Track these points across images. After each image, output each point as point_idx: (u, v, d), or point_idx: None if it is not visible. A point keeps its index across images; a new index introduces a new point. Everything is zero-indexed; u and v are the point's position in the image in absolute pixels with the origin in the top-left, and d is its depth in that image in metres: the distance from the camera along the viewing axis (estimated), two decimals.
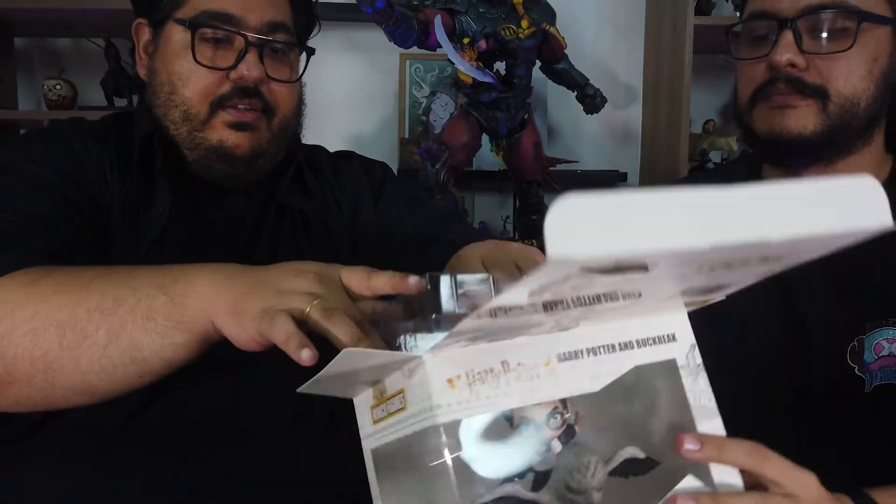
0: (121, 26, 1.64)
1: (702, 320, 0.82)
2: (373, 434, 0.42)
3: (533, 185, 1.63)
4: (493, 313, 0.32)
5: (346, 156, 0.93)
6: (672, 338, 0.42)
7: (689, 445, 0.41)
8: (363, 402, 0.43)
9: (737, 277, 0.38)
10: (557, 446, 0.38)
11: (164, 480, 0.67)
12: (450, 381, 0.36)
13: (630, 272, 0.29)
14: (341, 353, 0.38)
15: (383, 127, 1.99)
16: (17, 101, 1.88)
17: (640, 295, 0.36)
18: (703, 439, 0.41)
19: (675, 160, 1.72)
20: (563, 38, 1.53)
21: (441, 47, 1.42)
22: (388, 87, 1.96)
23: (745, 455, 0.43)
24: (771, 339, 0.79)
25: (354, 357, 0.38)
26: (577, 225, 0.25)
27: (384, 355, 0.38)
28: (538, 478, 0.38)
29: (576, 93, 1.64)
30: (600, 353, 0.39)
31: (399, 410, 0.39)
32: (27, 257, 0.60)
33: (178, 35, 0.75)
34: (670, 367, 0.41)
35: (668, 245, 0.26)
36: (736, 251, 0.29)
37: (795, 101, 0.73)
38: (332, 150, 0.94)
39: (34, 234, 0.65)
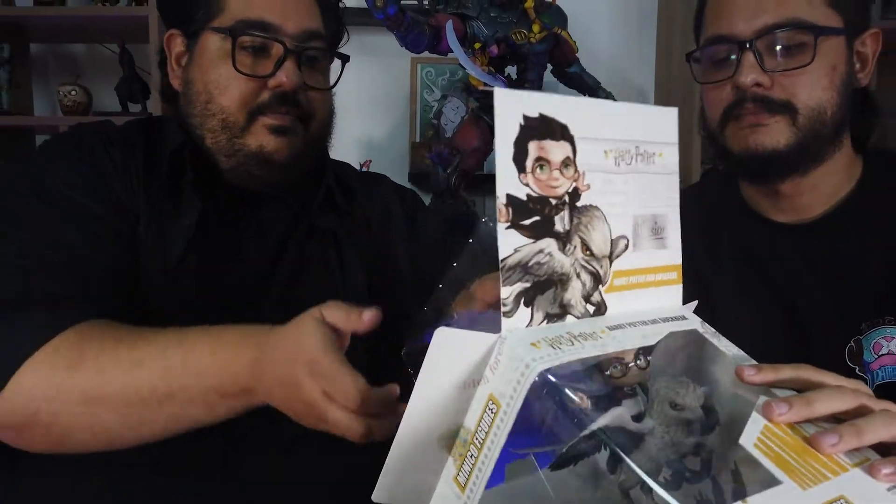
0: (135, 32, 1.66)
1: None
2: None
3: None
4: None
5: (377, 178, 0.95)
6: (683, 318, 0.48)
7: (749, 371, 0.45)
8: (444, 496, 0.43)
9: None
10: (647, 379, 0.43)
11: (182, 494, 0.68)
12: (533, 344, 0.39)
13: None
14: (436, 332, 0.40)
15: (395, 130, 2.00)
16: (33, 106, 1.91)
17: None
18: (758, 366, 0.45)
19: (687, 163, 1.71)
20: (574, 42, 1.53)
21: (452, 52, 1.42)
22: (399, 90, 1.96)
23: (796, 371, 0.47)
24: (771, 343, 0.80)
25: (449, 337, 0.40)
26: None
27: (475, 335, 0.40)
28: (638, 415, 0.41)
29: (587, 96, 1.64)
30: (637, 325, 0.44)
31: (494, 415, 0.40)
32: (72, 314, 0.61)
33: (215, 44, 0.75)
34: (696, 332, 0.47)
35: None
36: None
37: (765, 118, 0.75)
38: (344, 153, 0.94)
39: (73, 272, 0.65)
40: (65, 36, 1.91)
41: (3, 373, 0.58)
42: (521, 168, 0.40)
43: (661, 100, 1.94)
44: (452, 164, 1.53)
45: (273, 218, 0.81)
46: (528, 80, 1.50)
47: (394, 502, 0.45)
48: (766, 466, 0.39)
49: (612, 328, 0.43)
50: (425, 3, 1.81)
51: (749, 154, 0.77)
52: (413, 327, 0.48)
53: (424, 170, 1.83)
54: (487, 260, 0.43)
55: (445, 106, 1.79)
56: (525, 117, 0.40)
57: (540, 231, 0.41)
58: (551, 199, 0.41)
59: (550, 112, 0.42)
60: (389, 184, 0.94)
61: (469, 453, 0.41)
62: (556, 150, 0.42)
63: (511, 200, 0.40)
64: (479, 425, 0.40)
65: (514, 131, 0.40)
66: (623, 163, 0.46)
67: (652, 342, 0.43)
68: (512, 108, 0.40)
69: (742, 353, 0.47)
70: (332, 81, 0.82)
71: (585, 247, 0.43)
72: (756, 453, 0.39)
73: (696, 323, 0.47)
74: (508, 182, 0.40)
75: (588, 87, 1.61)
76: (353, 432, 0.49)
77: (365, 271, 0.83)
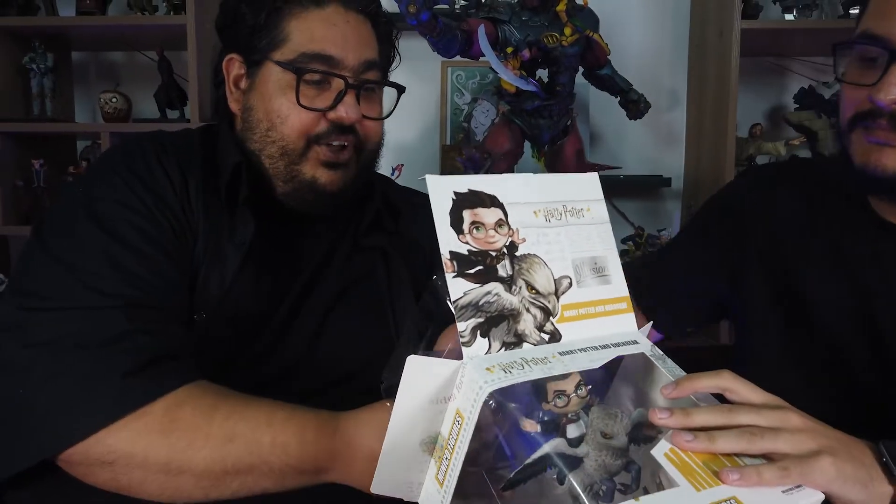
0: (173, 40, 1.70)
1: (780, 319, 0.83)
2: (443, 501, 0.49)
3: None
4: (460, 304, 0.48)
5: (422, 197, 0.97)
6: (635, 342, 0.54)
7: (667, 389, 0.52)
8: (431, 495, 0.51)
9: None
10: (585, 414, 0.50)
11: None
12: (488, 369, 0.46)
13: None
14: (408, 360, 0.48)
15: (425, 134, 2.01)
16: (75, 112, 1.97)
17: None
18: (676, 382, 0.52)
19: (720, 165, 1.69)
20: (606, 44, 1.52)
21: (483, 57, 1.42)
22: (430, 94, 1.98)
23: (714, 381, 0.53)
24: (842, 337, 0.80)
25: (421, 365, 0.48)
26: None
27: (446, 363, 0.48)
28: (575, 441, 0.49)
29: (619, 98, 1.63)
30: (588, 350, 0.51)
31: (460, 426, 0.47)
32: (170, 379, 0.64)
33: (276, 76, 0.77)
34: (644, 356, 0.54)
35: None
36: None
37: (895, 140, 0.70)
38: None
39: (159, 309, 0.68)
40: (105, 44, 1.96)
41: (94, 424, 0.60)
42: (458, 231, 0.50)
43: (694, 101, 1.92)
44: (484, 168, 1.53)
45: (322, 235, 0.84)
46: (559, 84, 1.50)
47: (388, 493, 0.53)
48: (669, 472, 0.46)
49: (563, 353, 0.50)
50: (457, 8, 1.82)
51: (868, 171, 0.73)
52: (388, 367, 0.56)
53: (455, 173, 1.84)
54: (440, 311, 0.51)
55: (476, 109, 1.81)
56: (456, 193, 0.51)
57: (484, 277, 0.49)
58: (491, 252, 0.50)
59: (478, 187, 0.52)
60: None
61: (444, 456, 0.49)
62: (488, 215, 0.51)
63: (454, 255, 0.49)
64: (450, 433, 0.48)
65: (448, 204, 0.50)
66: (553, 219, 0.55)
67: (598, 365, 0.49)
68: (444, 187, 0.50)
69: (682, 373, 0.54)
70: (386, 106, 0.84)
71: (530, 286, 0.51)
72: (663, 461, 0.47)
73: (645, 347, 0.54)
74: (449, 242, 0.49)
75: (620, 88, 1.61)
76: None
77: (413, 285, 0.85)
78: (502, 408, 0.48)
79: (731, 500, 0.44)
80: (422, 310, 0.55)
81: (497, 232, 0.51)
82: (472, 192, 0.51)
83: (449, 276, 0.49)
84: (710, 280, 0.93)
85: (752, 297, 0.88)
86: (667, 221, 1.95)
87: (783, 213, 0.87)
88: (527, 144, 1.60)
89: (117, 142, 1.70)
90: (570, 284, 0.53)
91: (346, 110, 0.76)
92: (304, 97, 0.76)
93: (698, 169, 1.88)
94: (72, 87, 1.95)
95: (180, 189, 0.75)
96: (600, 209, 0.58)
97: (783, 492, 0.47)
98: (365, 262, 0.86)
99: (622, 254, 1.82)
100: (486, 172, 1.53)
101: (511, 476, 0.48)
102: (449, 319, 0.51)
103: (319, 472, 0.63)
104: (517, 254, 0.52)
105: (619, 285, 0.56)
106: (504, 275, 0.51)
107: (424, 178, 0.51)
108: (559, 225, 0.55)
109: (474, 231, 0.50)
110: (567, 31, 1.46)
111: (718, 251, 0.92)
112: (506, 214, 0.52)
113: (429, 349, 0.54)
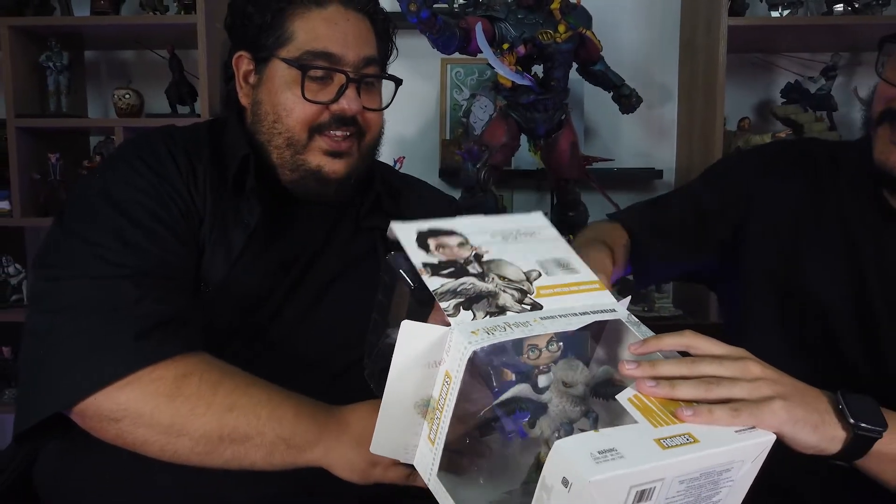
0: (184, 39, 1.77)
1: (775, 301, 0.86)
2: (434, 458, 0.53)
3: (570, 183, 1.69)
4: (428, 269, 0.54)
5: (419, 182, 1.06)
6: (613, 310, 0.57)
7: (634, 346, 0.55)
8: (424, 455, 0.54)
9: None
10: (553, 369, 0.54)
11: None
12: (473, 332, 0.50)
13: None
14: (402, 324, 0.51)
15: (425, 129, 2.08)
16: (87, 109, 2.04)
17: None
18: (642, 341, 0.55)
19: (710, 157, 1.76)
20: (598, 40, 1.59)
21: (481, 53, 1.49)
22: (429, 90, 2.05)
23: (678, 339, 0.56)
24: (837, 314, 0.84)
25: (414, 330, 0.52)
26: None
27: (436, 328, 0.52)
28: (541, 389, 0.53)
29: (612, 93, 1.69)
30: (568, 316, 0.55)
31: (448, 386, 0.51)
32: (179, 343, 0.70)
33: (282, 71, 0.83)
34: (620, 322, 0.57)
35: None
36: None
37: None
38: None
39: (167, 283, 0.74)
40: (118, 43, 2.03)
41: (106, 377, 0.67)
42: (426, 251, 0.56)
43: (684, 96, 1.99)
44: (482, 160, 1.60)
45: (323, 218, 0.90)
46: (554, 79, 1.56)
47: (385, 454, 0.57)
48: (631, 413, 0.49)
49: (544, 318, 0.53)
50: (455, 6, 1.88)
51: (885, 167, 0.78)
52: (366, 354, 0.62)
53: (454, 166, 1.91)
54: (396, 287, 0.58)
55: (474, 105, 1.86)
56: (418, 231, 0.58)
57: (457, 275, 0.55)
58: (458, 260, 0.56)
59: (437, 226, 0.59)
60: (430, 187, 1.05)
61: (435, 416, 0.52)
62: (450, 240, 0.58)
63: (426, 265, 0.55)
64: (440, 394, 0.52)
65: (413, 238, 0.57)
66: (511, 238, 0.61)
67: (575, 328, 0.53)
68: (408, 229, 0.58)
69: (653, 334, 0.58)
70: (385, 98, 0.90)
71: (502, 277, 0.56)
72: (627, 405, 0.50)
73: (622, 315, 0.57)
74: (419, 257, 0.56)
75: (612, 84, 1.67)
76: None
77: None
78: (487, 368, 0.51)
79: (686, 435, 0.47)
80: (382, 290, 0.60)
81: (461, 249, 0.58)
82: (431, 230, 0.59)
83: (425, 277, 0.54)
84: (707, 241, 0.95)
85: (747, 275, 0.92)
86: None
87: (788, 196, 0.90)
88: (523, 138, 1.66)
89: (131, 135, 1.77)
90: (540, 274, 0.58)
91: (348, 102, 0.82)
92: (308, 91, 0.81)
93: (689, 161, 1.94)
94: (84, 85, 2.02)
95: (187, 174, 0.81)
96: (551, 232, 0.64)
97: (736, 431, 0.49)
98: (365, 243, 0.91)
99: None
100: (484, 164, 1.60)
101: (483, 416, 0.52)
102: (403, 292, 0.56)
103: (307, 447, 0.68)
104: (484, 260, 0.57)
105: (587, 274, 0.60)
106: (475, 272, 0.56)
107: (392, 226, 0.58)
108: (516, 242, 0.61)
109: (440, 249, 0.57)
110: (561, 28, 1.53)
111: (719, 221, 0.94)
112: (466, 239, 0.59)
113: (396, 324, 0.58)
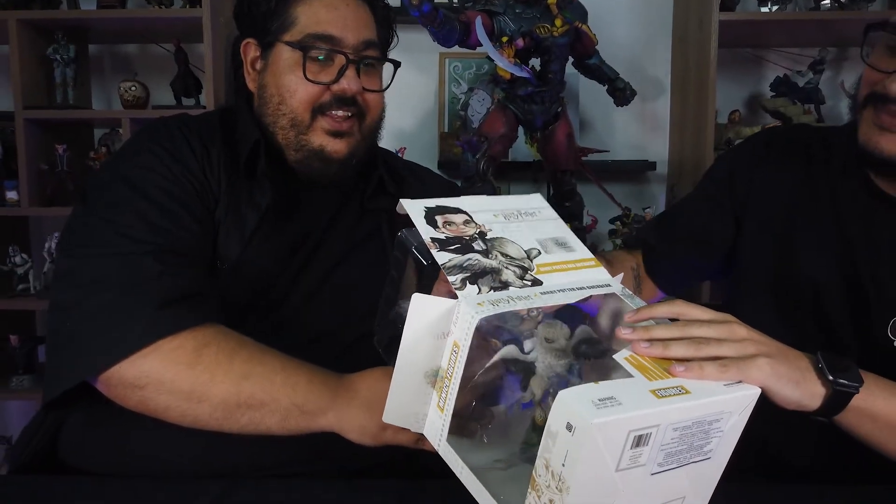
0: (189, 32, 1.80)
1: (772, 286, 0.90)
2: (444, 425, 0.56)
3: (566, 174, 1.73)
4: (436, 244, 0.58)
5: (422, 167, 1.10)
6: (608, 286, 0.61)
7: (629, 315, 0.58)
8: (434, 422, 0.57)
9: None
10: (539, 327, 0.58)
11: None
12: (479, 304, 0.54)
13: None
14: (413, 296, 0.55)
15: (424, 122, 2.12)
16: (91, 101, 2.07)
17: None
18: (636, 310, 0.58)
19: (701, 149, 1.81)
20: (594, 34, 1.63)
21: (480, 46, 1.53)
22: (428, 84, 2.09)
23: (670, 308, 0.60)
24: (826, 292, 0.88)
25: (425, 302, 0.55)
26: None
27: (445, 301, 0.55)
28: (527, 353, 0.57)
29: (607, 86, 1.74)
30: (566, 291, 0.58)
31: (456, 356, 0.54)
32: (198, 313, 0.74)
33: (286, 54, 0.87)
34: (615, 295, 0.61)
35: None
36: None
37: None
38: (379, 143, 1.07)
39: (186, 258, 0.78)
40: (123, 37, 2.06)
41: (130, 345, 0.70)
42: (434, 227, 0.61)
43: (677, 89, 2.04)
44: (481, 151, 1.64)
45: (330, 200, 0.94)
46: (551, 71, 1.60)
47: (397, 423, 0.60)
48: (627, 369, 0.52)
49: (544, 293, 0.57)
50: (455, 0, 1.93)
51: (868, 149, 0.82)
52: (376, 323, 0.65)
53: (452, 158, 1.95)
54: (407, 262, 0.61)
55: (472, 98, 1.91)
56: (426, 207, 0.62)
57: (463, 251, 0.59)
58: (464, 237, 0.61)
59: (444, 203, 0.64)
60: (431, 172, 1.09)
61: (444, 385, 0.55)
62: (456, 217, 0.63)
63: (435, 240, 0.59)
64: (448, 363, 0.55)
65: (422, 213, 0.62)
66: (512, 218, 0.65)
67: (573, 300, 0.57)
68: (417, 205, 0.63)
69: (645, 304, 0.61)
70: (384, 82, 0.94)
71: (504, 254, 0.60)
72: (623, 363, 0.53)
73: (617, 289, 0.61)
74: (428, 233, 0.60)
75: (607, 77, 1.71)
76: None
77: None
78: (491, 338, 0.54)
79: (678, 387, 0.50)
80: (393, 265, 0.64)
81: (466, 226, 0.62)
82: (439, 206, 0.63)
83: (433, 251, 0.58)
84: (715, 235, 0.99)
85: (744, 261, 0.96)
86: (652, 202, 2.07)
87: (782, 182, 0.94)
88: (520, 130, 1.71)
89: (137, 127, 1.80)
90: (539, 253, 0.62)
91: (348, 83, 0.86)
92: (309, 72, 0.86)
93: (681, 153, 1.99)
94: (89, 77, 2.05)
95: (202, 157, 0.85)
96: (550, 213, 0.68)
97: (725, 385, 0.53)
98: (370, 224, 0.96)
99: (610, 233, 1.94)
100: (483, 155, 1.64)
101: (475, 378, 0.55)
102: (415, 269, 0.60)
103: (319, 413, 0.71)
104: (487, 237, 0.61)
105: (583, 252, 0.64)
106: (479, 249, 0.60)
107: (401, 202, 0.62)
108: (517, 221, 0.65)
109: (447, 226, 0.61)
110: (557, 22, 1.57)
111: (722, 214, 0.98)
112: (470, 217, 0.63)
113: (406, 298, 0.62)
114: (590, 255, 0.64)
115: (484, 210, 0.64)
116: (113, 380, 0.71)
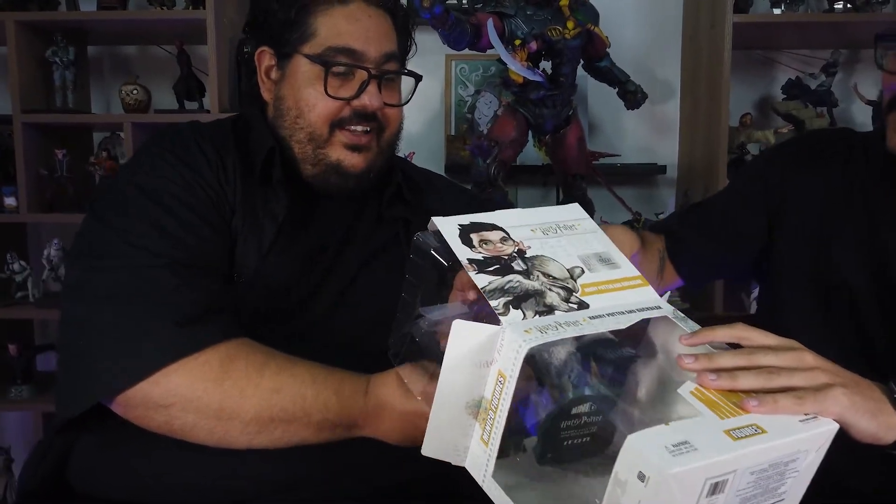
0: (192, 34, 1.77)
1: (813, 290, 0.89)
2: (489, 459, 0.53)
3: (577, 178, 1.71)
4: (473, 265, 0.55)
5: (435, 174, 1.08)
6: (658, 307, 0.57)
7: (686, 338, 0.55)
8: (477, 456, 0.54)
9: None
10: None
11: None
12: (526, 331, 0.50)
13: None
14: (454, 323, 0.52)
15: (430, 125, 2.09)
16: (90, 104, 2.02)
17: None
18: (693, 333, 0.55)
19: (713, 153, 1.78)
20: (606, 37, 1.61)
21: (491, 49, 1.51)
22: (434, 86, 2.06)
23: (730, 331, 0.57)
24: (863, 295, 0.87)
25: (465, 329, 0.52)
26: None
27: (487, 327, 0.52)
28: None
29: (617, 89, 1.71)
30: (615, 315, 0.55)
31: (502, 386, 0.51)
32: (222, 328, 0.71)
33: (305, 67, 0.84)
34: (667, 318, 0.58)
35: None
36: None
37: None
38: None
39: (206, 272, 0.76)
40: (122, 38, 2.02)
41: (153, 364, 0.67)
42: (470, 246, 0.58)
43: (687, 92, 2.01)
44: (491, 155, 1.61)
45: (347, 209, 0.91)
46: (562, 75, 1.58)
47: (437, 456, 0.57)
48: (695, 406, 0.49)
49: (592, 318, 0.54)
50: (464, 2, 1.90)
51: (889, 150, 0.82)
52: (392, 334, 0.62)
53: (459, 161, 1.92)
54: (428, 266, 0.59)
55: (479, 101, 1.88)
56: (460, 225, 0.59)
57: (503, 272, 0.56)
58: (503, 257, 0.57)
59: (478, 220, 0.60)
60: (446, 179, 1.07)
61: (488, 417, 0.52)
62: (492, 234, 0.60)
63: (472, 261, 0.56)
64: (493, 394, 0.52)
65: (456, 232, 0.59)
66: (550, 233, 0.62)
67: (624, 326, 0.54)
68: (450, 223, 0.60)
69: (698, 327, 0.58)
70: (403, 94, 0.92)
71: (546, 275, 0.57)
72: (690, 399, 0.50)
73: (668, 311, 0.58)
74: (465, 253, 0.57)
75: (618, 80, 1.69)
76: None
77: None
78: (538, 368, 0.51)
79: (753, 426, 0.47)
80: (411, 270, 0.61)
81: (503, 244, 0.59)
82: (473, 223, 0.60)
83: (472, 274, 0.55)
84: (744, 232, 0.98)
85: (781, 264, 0.94)
86: (662, 207, 2.04)
87: (820, 186, 0.93)
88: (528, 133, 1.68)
89: (139, 131, 1.77)
90: (583, 271, 0.59)
91: (370, 99, 0.83)
92: (330, 87, 0.83)
93: (692, 157, 1.97)
94: (88, 80, 2.01)
95: (217, 167, 0.82)
96: (590, 224, 0.64)
97: (800, 420, 0.50)
98: (388, 232, 0.93)
99: None
100: (494, 160, 1.61)
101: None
102: (435, 273, 0.57)
103: (352, 427, 0.71)
104: (527, 256, 0.58)
105: (629, 269, 0.60)
106: (519, 269, 0.57)
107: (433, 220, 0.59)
108: (556, 236, 0.61)
109: (483, 245, 0.58)
110: (569, 24, 1.54)
111: (754, 214, 0.97)
112: (507, 233, 0.60)
113: (424, 304, 0.59)
114: (636, 271, 0.61)
115: (520, 225, 0.61)
116: (136, 399, 0.68)
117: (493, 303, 0.53)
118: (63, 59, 1.80)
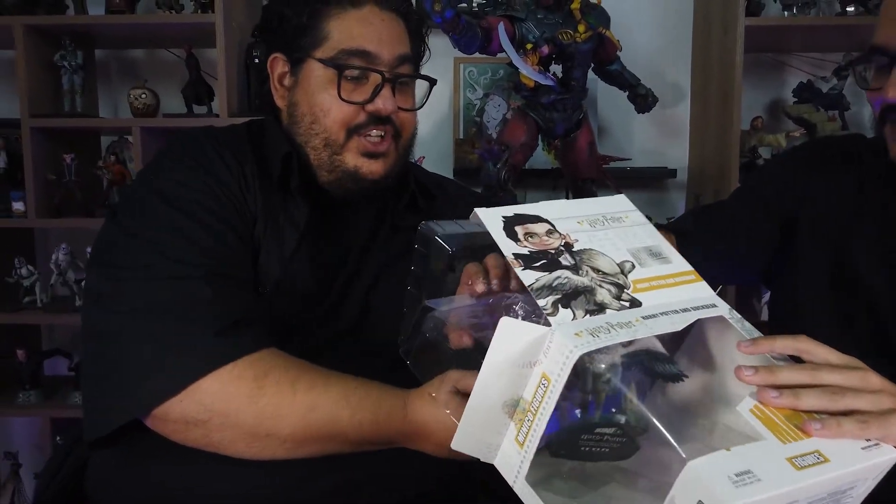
0: (201, 38, 1.76)
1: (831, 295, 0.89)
2: (522, 461, 0.51)
3: (587, 183, 1.70)
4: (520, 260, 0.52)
5: (448, 179, 1.08)
6: (713, 305, 0.55)
7: (745, 345, 0.53)
8: (510, 456, 0.52)
9: None
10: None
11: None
12: (577, 334, 0.48)
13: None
14: (501, 321, 0.50)
15: (439, 128, 2.08)
16: (98, 108, 2.02)
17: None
18: (754, 340, 0.53)
19: (725, 157, 1.77)
20: (617, 40, 1.60)
21: (502, 52, 1.50)
22: (442, 89, 2.04)
23: (794, 343, 0.54)
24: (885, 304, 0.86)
25: (513, 327, 0.50)
26: None
27: (536, 327, 0.50)
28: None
29: (628, 93, 1.70)
30: (669, 314, 0.52)
31: (546, 389, 0.49)
32: (253, 338, 0.70)
33: (318, 72, 0.84)
34: (723, 318, 0.54)
35: None
36: None
37: None
38: None
39: (236, 281, 0.75)
40: (131, 42, 2.01)
41: (190, 375, 0.66)
42: (515, 240, 0.54)
43: (698, 95, 2.00)
44: (502, 159, 1.60)
45: (363, 218, 0.91)
46: (573, 79, 1.57)
47: (466, 451, 0.56)
48: (756, 428, 0.47)
49: (646, 318, 0.51)
50: (474, 6, 1.89)
51: (891, 160, 0.82)
52: (402, 329, 0.61)
53: (468, 165, 1.91)
54: (432, 254, 0.57)
55: (487, 104, 1.87)
56: (504, 217, 0.56)
57: (550, 268, 0.53)
58: (550, 251, 0.55)
59: (522, 211, 0.57)
60: (456, 183, 1.07)
61: (526, 418, 0.50)
62: (538, 227, 0.57)
63: (517, 255, 0.53)
64: (534, 396, 0.50)
65: (500, 224, 0.56)
66: (598, 225, 0.58)
67: (680, 328, 0.51)
68: (493, 214, 0.57)
69: (758, 333, 0.55)
70: (418, 98, 0.92)
71: (596, 270, 0.54)
72: (749, 416, 0.48)
73: (724, 310, 0.55)
74: (510, 248, 0.54)
75: (628, 83, 1.68)
76: None
77: None
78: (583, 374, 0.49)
79: (816, 453, 0.45)
80: (416, 261, 0.59)
81: (549, 237, 0.56)
82: (517, 215, 0.57)
83: (518, 270, 0.52)
84: (755, 236, 0.97)
85: (800, 269, 0.94)
86: (672, 211, 2.03)
87: (837, 191, 0.93)
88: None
89: (148, 136, 1.76)
90: (633, 266, 0.56)
91: (384, 102, 0.83)
92: (344, 91, 0.82)
93: (702, 160, 1.95)
94: (95, 85, 2.00)
95: (237, 174, 0.81)
96: (638, 216, 0.61)
97: (863, 448, 0.47)
98: (403, 241, 0.91)
99: None
100: (504, 164, 1.60)
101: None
102: (439, 262, 0.55)
103: (391, 443, 0.69)
104: (574, 249, 0.55)
105: (681, 264, 0.58)
106: (568, 264, 0.54)
107: (475, 211, 0.56)
108: (604, 229, 0.58)
109: (529, 239, 0.55)
110: (581, 28, 1.53)
111: (766, 219, 0.96)
112: (553, 225, 0.57)
113: (430, 296, 0.58)
114: (688, 266, 0.58)
115: (566, 217, 0.58)
116: (173, 414, 0.67)
117: (540, 302, 0.50)
118: (71, 63, 1.79)
